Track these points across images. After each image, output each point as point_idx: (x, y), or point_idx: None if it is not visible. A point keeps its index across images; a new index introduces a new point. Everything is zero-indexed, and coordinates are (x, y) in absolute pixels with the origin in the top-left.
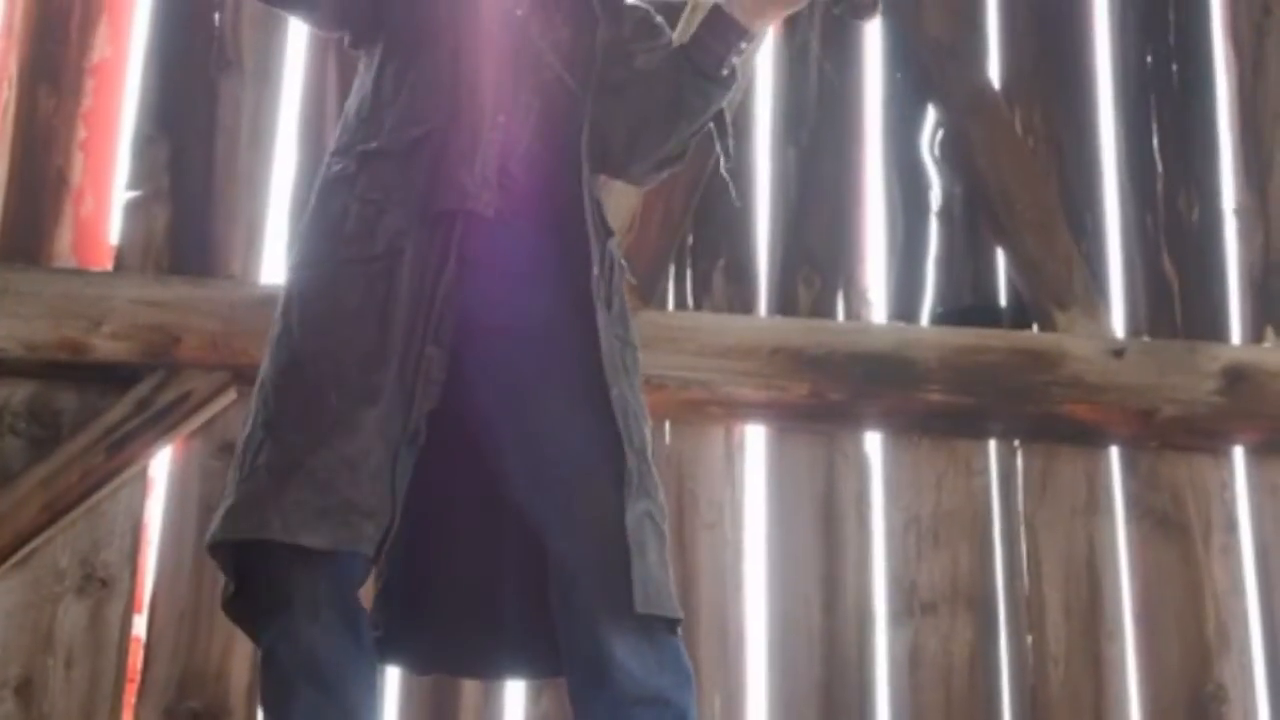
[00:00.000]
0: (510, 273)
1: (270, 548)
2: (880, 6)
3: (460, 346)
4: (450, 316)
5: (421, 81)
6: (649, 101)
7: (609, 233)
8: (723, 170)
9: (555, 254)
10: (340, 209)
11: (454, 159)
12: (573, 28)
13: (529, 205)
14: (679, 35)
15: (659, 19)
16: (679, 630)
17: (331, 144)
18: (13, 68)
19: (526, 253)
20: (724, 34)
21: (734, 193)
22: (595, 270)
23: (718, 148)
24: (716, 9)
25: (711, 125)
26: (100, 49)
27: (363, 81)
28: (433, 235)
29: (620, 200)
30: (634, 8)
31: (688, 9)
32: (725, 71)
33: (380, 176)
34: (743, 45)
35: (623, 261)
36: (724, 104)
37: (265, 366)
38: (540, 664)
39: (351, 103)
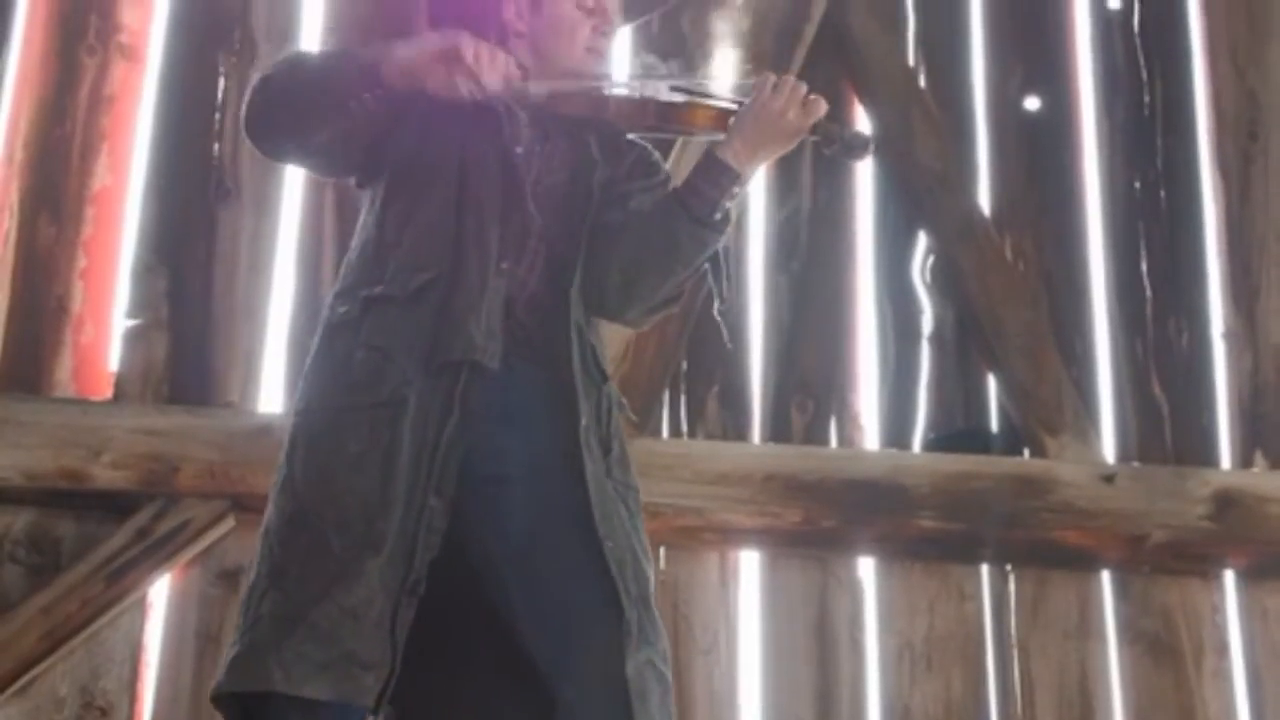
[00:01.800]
0: (510, 421)
1: (272, 695)
2: (872, 147)
3: (462, 495)
4: (453, 467)
5: (424, 225)
6: (643, 247)
7: (604, 377)
8: (715, 312)
9: (551, 400)
10: (345, 354)
11: (460, 308)
12: (571, 169)
13: (531, 350)
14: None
15: (656, 155)
16: None
17: (335, 284)
18: (14, 196)
19: (526, 399)
20: (716, 178)
21: (726, 335)
22: (583, 420)
23: (713, 290)
24: (708, 153)
25: (707, 266)
26: (101, 177)
27: (365, 222)
28: (437, 385)
29: (614, 328)
30: (631, 144)
31: (678, 145)
32: (719, 215)
33: (385, 322)
34: (735, 189)
35: (622, 400)
36: (719, 246)
37: (269, 512)
38: None
39: (355, 242)
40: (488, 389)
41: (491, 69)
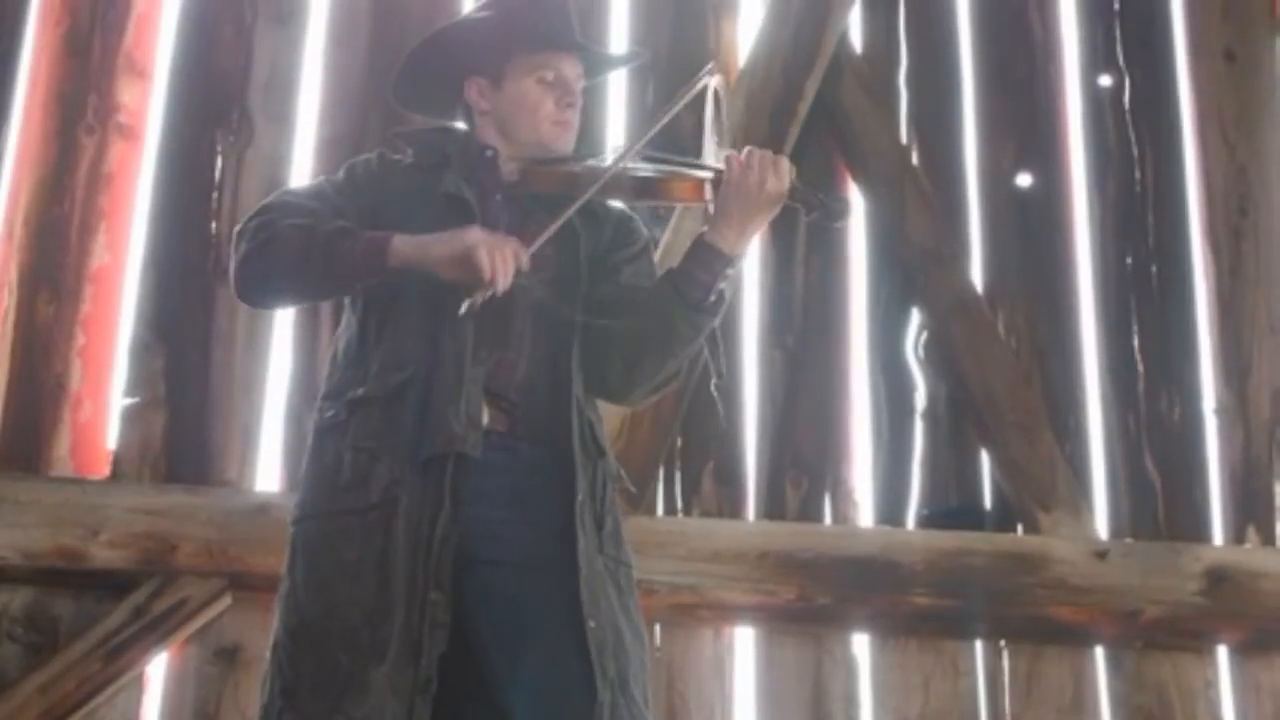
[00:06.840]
0: (509, 504)
1: None
2: (850, 209)
3: (459, 578)
4: (449, 559)
5: (403, 322)
6: (641, 333)
7: (601, 452)
8: (712, 388)
9: (545, 479)
10: (334, 457)
11: (439, 401)
12: (555, 245)
13: (532, 430)
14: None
15: (634, 218)
16: None
17: (323, 386)
18: (13, 274)
19: (525, 479)
20: (709, 264)
21: (722, 412)
22: (580, 496)
23: (710, 367)
24: (698, 240)
25: (704, 344)
26: (99, 255)
27: (349, 321)
28: (425, 481)
29: (610, 406)
30: (609, 210)
31: (675, 214)
32: (713, 298)
33: (369, 423)
34: (728, 272)
35: (620, 472)
36: (715, 324)
37: (276, 626)
38: None
39: (340, 341)
40: (482, 476)
41: (505, 274)
